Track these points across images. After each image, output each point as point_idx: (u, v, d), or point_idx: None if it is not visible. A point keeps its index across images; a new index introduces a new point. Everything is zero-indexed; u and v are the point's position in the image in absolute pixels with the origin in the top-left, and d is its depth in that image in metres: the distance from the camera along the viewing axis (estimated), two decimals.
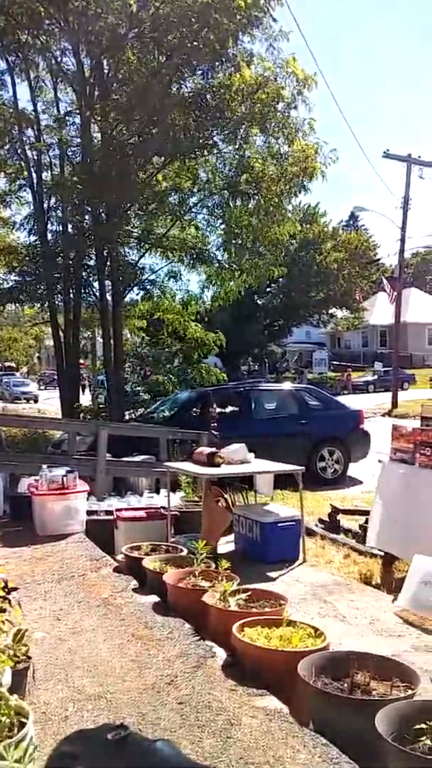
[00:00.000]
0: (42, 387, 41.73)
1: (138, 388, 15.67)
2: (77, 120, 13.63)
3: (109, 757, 0.98)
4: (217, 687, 3.09)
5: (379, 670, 2.97)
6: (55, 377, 20.40)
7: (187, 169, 13.64)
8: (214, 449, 6.44)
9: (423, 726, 2.41)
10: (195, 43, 11.06)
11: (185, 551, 5.14)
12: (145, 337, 17.90)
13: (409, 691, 2.81)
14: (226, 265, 15.01)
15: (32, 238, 14.64)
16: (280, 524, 5.96)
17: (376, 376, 36.76)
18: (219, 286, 15.77)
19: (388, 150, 23.07)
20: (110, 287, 14.07)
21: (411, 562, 4.70)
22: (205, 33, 10.91)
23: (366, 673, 2.92)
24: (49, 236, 14.13)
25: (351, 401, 15.21)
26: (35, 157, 14.20)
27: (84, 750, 0.99)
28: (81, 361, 18.37)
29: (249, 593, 4.02)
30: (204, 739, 2.62)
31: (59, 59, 13.56)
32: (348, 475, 10.43)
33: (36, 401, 33.18)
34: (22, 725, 2.14)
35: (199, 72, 12.38)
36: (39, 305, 15.23)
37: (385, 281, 26.51)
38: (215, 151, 13.38)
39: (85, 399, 20.75)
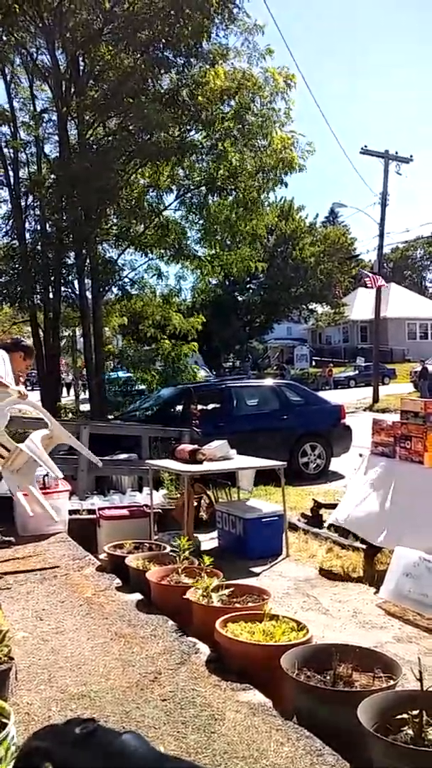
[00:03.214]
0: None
1: (119, 389, 15.57)
2: (54, 117, 13.54)
3: (77, 751, 0.98)
4: (200, 683, 3.09)
5: (362, 662, 2.98)
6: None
7: (166, 166, 13.61)
8: (196, 446, 6.45)
9: (404, 716, 2.43)
10: (169, 39, 11.03)
11: (168, 548, 5.13)
12: (128, 338, 17.80)
13: (391, 682, 2.84)
14: (206, 261, 15.01)
15: (7, 239, 14.51)
16: (263, 520, 5.98)
17: (357, 371, 36.91)
18: (199, 279, 15.77)
19: (366, 146, 23.18)
20: (90, 285, 13.98)
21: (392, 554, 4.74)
22: (179, 28, 10.89)
23: (348, 665, 2.93)
24: (27, 235, 14.00)
25: (332, 396, 15.28)
26: (12, 155, 14.06)
27: (53, 745, 0.99)
28: (62, 360, 18.23)
29: (232, 589, 4.03)
30: (188, 735, 2.62)
31: (35, 56, 13.46)
32: (330, 469, 10.48)
33: None
34: (3, 726, 2.13)
35: (174, 69, 12.35)
36: (18, 304, 15.12)
37: (363, 272, 26.64)
38: (193, 151, 13.36)
39: (67, 399, 20.60)
